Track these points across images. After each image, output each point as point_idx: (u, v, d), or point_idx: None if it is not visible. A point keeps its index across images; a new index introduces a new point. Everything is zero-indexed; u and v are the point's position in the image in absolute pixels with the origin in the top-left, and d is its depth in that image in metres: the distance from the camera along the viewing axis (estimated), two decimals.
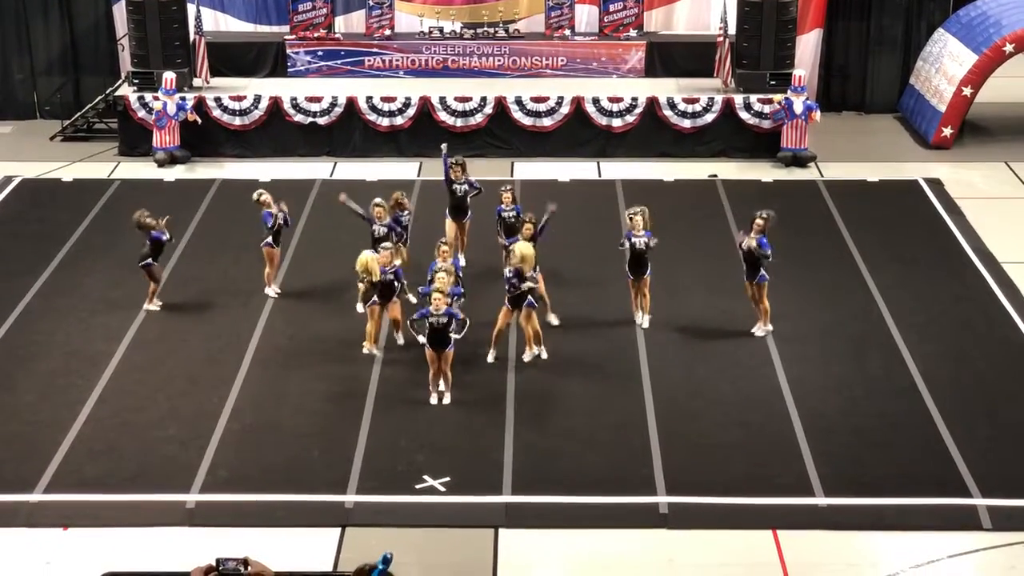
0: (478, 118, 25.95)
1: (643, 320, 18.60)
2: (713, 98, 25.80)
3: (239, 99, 25.89)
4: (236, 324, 18.86)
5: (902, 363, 17.83)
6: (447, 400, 16.72)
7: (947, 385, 17.28)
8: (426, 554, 14.21)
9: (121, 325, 18.84)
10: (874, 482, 15.22)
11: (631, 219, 18.46)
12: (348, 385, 17.27)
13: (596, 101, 25.83)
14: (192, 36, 26.22)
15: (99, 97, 26.99)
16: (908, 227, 22.50)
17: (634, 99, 25.84)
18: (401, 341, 18.12)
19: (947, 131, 26.20)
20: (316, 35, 27.17)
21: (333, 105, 25.87)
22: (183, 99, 25.30)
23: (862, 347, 18.27)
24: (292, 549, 14.15)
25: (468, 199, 20.27)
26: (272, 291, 19.63)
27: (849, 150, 26.30)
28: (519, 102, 25.86)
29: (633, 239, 18.36)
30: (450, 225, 20.16)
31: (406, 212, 19.61)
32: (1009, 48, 25.61)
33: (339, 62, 27.11)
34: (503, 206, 19.67)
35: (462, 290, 17.25)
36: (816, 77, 27.92)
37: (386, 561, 11.47)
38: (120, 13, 27.07)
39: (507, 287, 17.42)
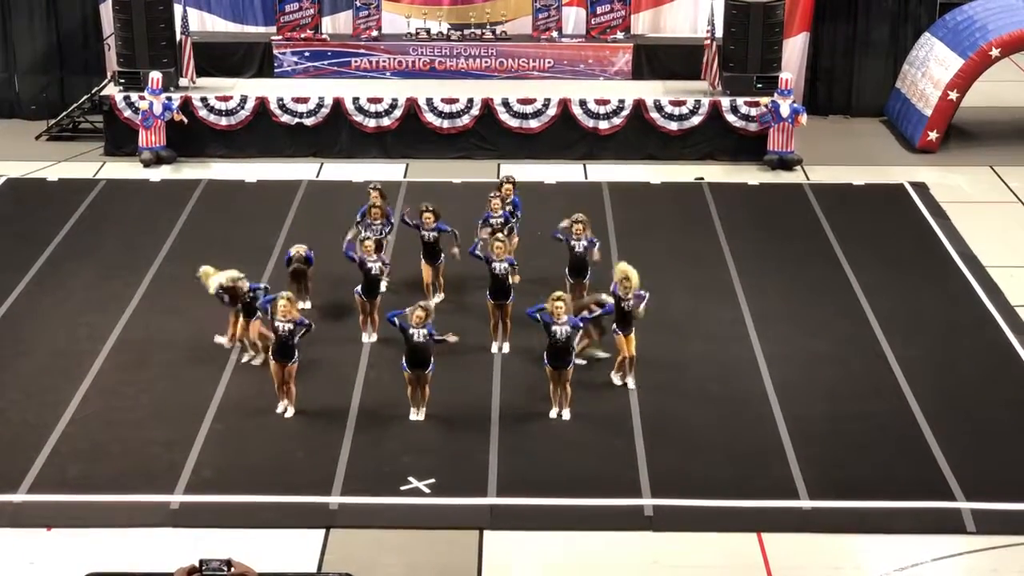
0: (464, 120, 25.94)
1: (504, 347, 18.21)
2: (700, 101, 25.82)
3: (225, 99, 25.84)
4: (221, 325, 18.79)
5: (886, 366, 17.87)
6: (421, 416, 16.54)
7: (931, 388, 17.31)
8: (411, 555, 14.20)
9: (106, 325, 18.80)
10: (858, 485, 15.25)
11: (497, 246, 17.98)
12: (333, 386, 17.26)
13: (583, 103, 25.84)
14: (179, 36, 26.17)
15: (85, 96, 26.92)
16: (894, 230, 22.55)
17: (621, 101, 25.85)
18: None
19: (933, 135, 26.25)
20: (303, 36, 27.12)
21: (320, 106, 25.84)
22: (169, 99, 25.25)
23: (847, 350, 18.30)
24: (276, 550, 14.13)
25: (439, 243, 19.29)
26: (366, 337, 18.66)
27: (835, 153, 26.34)
28: (506, 104, 25.86)
29: (494, 264, 17.91)
30: (424, 269, 19.37)
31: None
32: (995, 52, 25.67)
33: (326, 63, 27.08)
34: (491, 212, 19.60)
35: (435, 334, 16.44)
36: (803, 80, 27.95)
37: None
38: (106, 12, 27.00)
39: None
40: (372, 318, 18.37)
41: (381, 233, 19.34)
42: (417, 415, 16.51)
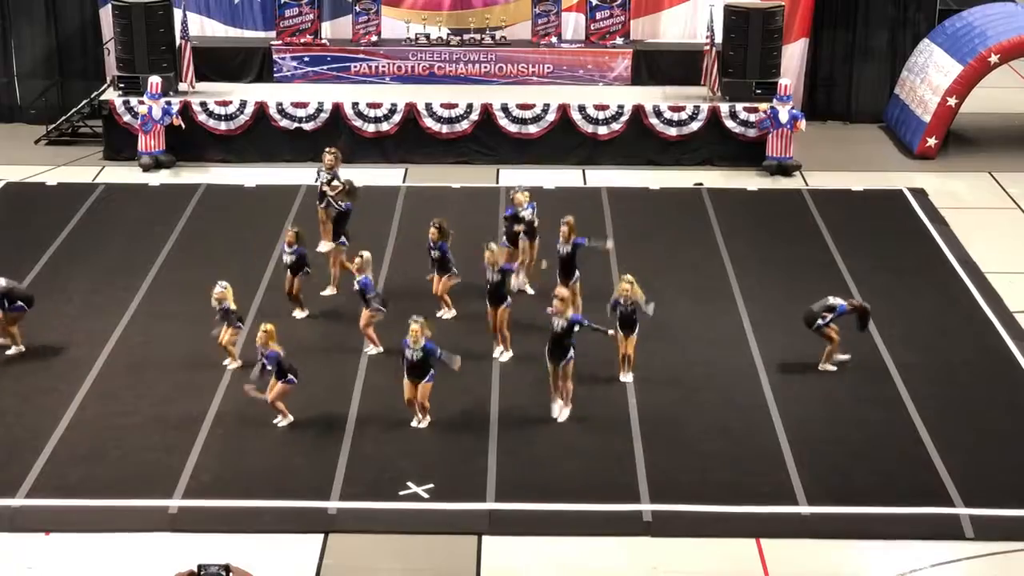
0: (464, 125, 25.95)
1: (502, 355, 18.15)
2: (699, 106, 25.84)
3: (225, 104, 25.85)
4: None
5: (885, 372, 17.86)
6: (423, 425, 16.54)
7: (930, 394, 17.30)
8: (409, 561, 14.19)
9: (104, 330, 18.78)
10: (857, 491, 15.24)
11: (487, 255, 18.03)
12: (333, 391, 17.24)
13: (582, 109, 25.86)
14: (178, 40, 26.18)
15: (84, 101, 26.92)
16: (892, 237, 22.56)
17: (620, 107, 25.87)
18: None
19: (932, 141, 26.26)
20: (302, 41, 27.15)
21: (319, 111, 25.86)
22: (168, 103, 25.26)
23: (845, 356, 18.27)
24: (275, 555, 14.12)
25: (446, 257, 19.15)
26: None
27: (834, 159, 26.36)
28: (505, 109, 25.87)
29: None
30: (436, 280, 19.23)
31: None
32: (994, 59, 25.70)
33: (325, 68, 27.10)
34: (518, 208, 19.71)
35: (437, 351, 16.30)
36: (802, 86, 27.96)
37: None
38: (106, 17, 27.01)
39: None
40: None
41: (334, 178, 20.16)
42: (418, 423, 16.49)
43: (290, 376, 16.24)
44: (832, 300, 17.79)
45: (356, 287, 18.03)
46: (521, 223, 19.66)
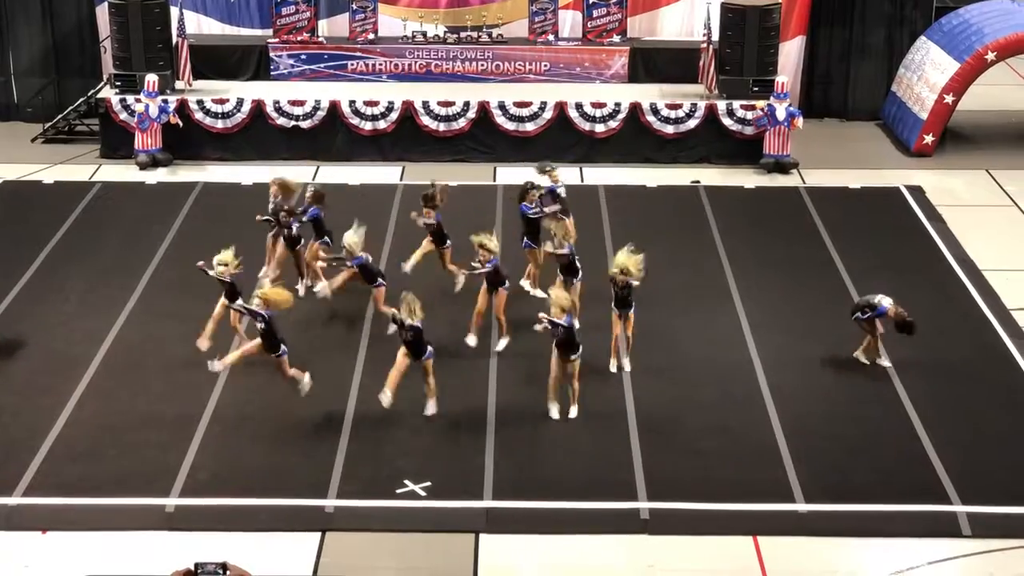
0: (461, 123, 25.94)
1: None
2: (696, 104, 25.83)
3: (221, 102, 25.83)
4: (219, 329, 18.77)
5: (882, 370, 17.86)
6: (431, 411, 16.55)
7: (927, 392, 17.31)
8: (406, 559, 14.19)
9: (101, 328, 18.77)
10: (854, 489, 15.25)
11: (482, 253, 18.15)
12: (330, 389, 17.23)
13: (579, 106, 25.85)
14: (175, 38, 26.17)
15: (81, 99, 26.92)
16: (889, 234, 22.55)
17: (617, 105, 25.86)
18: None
19: (928, 139, 26.27)
20: (299, 39, 27.14)
21: (316, 109, 25.84)
22: (165, 102, 25.25)
23: (842, 353, 18.28)
24: (272, 553, 14.12)
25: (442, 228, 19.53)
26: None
27: (831, 157, 26.36)
28: (502, 107, 25.86)
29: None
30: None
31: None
32: (991, 56, 25.71)
33: (322, 66, 27.09)
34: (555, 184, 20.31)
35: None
36: (799, 84, 27.97)
37: None
38: (103, 15, 26.98)
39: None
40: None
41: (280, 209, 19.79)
42: (426, 408, 16.55)
43: (283, 348, 16.38)
44: (878, 298, 17.73)
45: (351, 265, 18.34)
46: (558, 199, 19.77)
